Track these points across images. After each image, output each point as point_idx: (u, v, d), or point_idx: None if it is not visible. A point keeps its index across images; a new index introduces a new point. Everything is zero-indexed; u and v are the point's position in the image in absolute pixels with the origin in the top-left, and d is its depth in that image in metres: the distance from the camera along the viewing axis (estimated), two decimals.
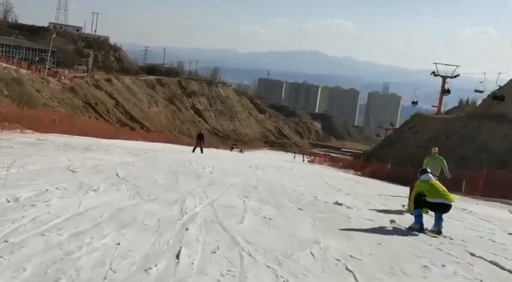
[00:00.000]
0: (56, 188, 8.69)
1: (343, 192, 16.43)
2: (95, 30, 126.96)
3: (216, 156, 29.63)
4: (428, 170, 10.04)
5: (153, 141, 51.50)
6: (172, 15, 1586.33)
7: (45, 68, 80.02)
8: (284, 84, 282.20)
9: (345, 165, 58.54)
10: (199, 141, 31.60)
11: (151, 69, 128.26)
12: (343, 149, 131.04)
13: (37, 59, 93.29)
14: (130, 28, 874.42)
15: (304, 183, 18.35)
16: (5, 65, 51.08)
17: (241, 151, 73.04)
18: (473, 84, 70.62)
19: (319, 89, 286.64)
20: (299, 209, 10.60)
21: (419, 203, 9.18)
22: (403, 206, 12.84)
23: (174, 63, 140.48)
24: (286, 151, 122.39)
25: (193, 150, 30.61)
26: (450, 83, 70.85)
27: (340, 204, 12.15)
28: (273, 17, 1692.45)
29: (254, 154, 73.75)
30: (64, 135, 29.91)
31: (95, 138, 32.75)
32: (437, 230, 9.05)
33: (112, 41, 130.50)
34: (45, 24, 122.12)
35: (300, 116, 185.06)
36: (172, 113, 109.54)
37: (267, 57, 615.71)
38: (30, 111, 40.12)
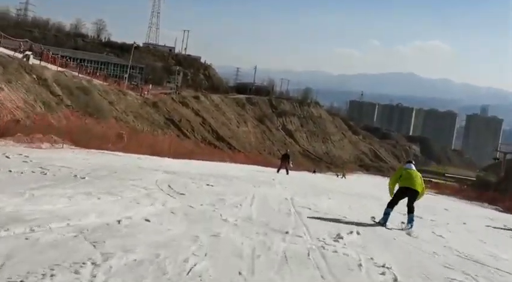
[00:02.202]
0: None
1: None
2: (185, 48, 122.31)
3: (317, 185, 21.41)
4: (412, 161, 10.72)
5: (240, 162, 43.32)
6: (264, 37, 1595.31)
7: (133, 83, 74.48)
8: (376, 107, 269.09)
9: (466, 195, 47.35)
10: (285, 162, 28.62)
11: (241, 88, 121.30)
12: (446, 175, 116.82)
13: (125, 75, 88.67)
14: (221, 51, 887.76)
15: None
16: (76, 73, 44.31)
17: (343, 176, 64.00)
18: None
19: (414, 111, 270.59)
20: None
21: (395, 196, 10.15)
22: None
23: (264, 82, 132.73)
24: (383, 176, 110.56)
25: (278, 171, 28.01)
26: None
27: None
28: (366, 39, 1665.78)
29: (359, 180, 63.66)
30: (117, 152, 22.10)
31: (159, 158, 24.69)
32: (408, 228, 9.84)
33: (203, 59, 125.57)
34: (139, 43, 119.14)
35: (394, 138, 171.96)
36: (262, 133, 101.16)
37: (358, 79, 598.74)
38: (93, 123, 32.78)
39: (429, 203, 24.07)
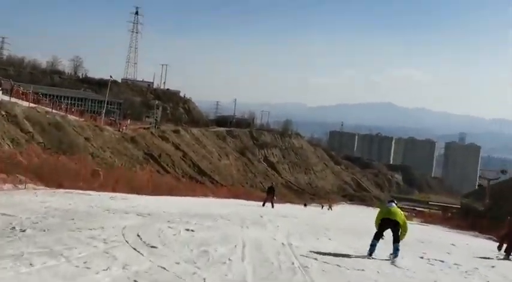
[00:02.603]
0: None
1: None
2: (164, 82, 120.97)
3: (309, 221, 20.06)
4: (394, 200, 11.67)
5: (223, 196, 41.43)
6: (242, 71, 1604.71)
7: (111, 119, 72.44)
8: (356, 137, 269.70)
9: (456, 224, 46.00)
10: (270, 196, 27.99)
11: (221, 121, 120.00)
12: (430, 203, 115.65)
13: (103, 111, 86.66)
14: (200, 86, 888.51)
15: None
16: (49, 109, 42.28)
17: (330, 208, 62.55)
18: None
19: (393, 140, 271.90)
20: None
21: (380, 227, 10.79)
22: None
23: (245, 115, 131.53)
24: (367, 205, 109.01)
25: (263, 204, 27.31)
26: None
27: None
28: (341, 69, 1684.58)
29: (345, 211, 61.90)
30: (89, 191, 20.26)
31: (136, 196, 22.80)
32: (393, 257, 10.43)
33: (182, 94, 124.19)
34: (117, 79, 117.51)
35: (376, 167, 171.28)
36: (243, 166, 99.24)
37: (336, 110, 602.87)
38: (67, 160, 30.69)
39: (425, 235, 22.43)
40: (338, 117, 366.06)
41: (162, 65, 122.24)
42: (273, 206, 26.96)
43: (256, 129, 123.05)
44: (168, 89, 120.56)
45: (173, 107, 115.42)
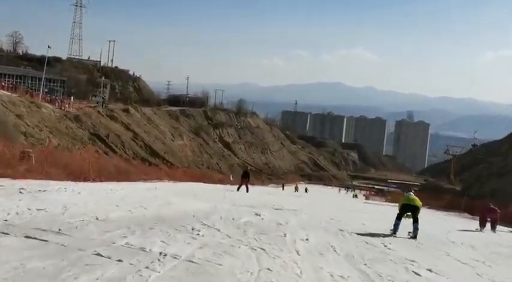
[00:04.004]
0: None
1: None
2: (112, 60, 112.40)
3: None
4: (412, 190, 13.76)
5: (180, 180, 35.85)
6: (193, 52, 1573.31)
7: (55, 98, 64.92)
8: (308, 116, 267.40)
9: (437, 205, 41.75)
10: (245, 180, 27.73)
11: (174, 100, 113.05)
12: (389, 181, 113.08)
13: (46, 90, 78.63)
14: (152, 66, 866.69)
15: None
16: None
17: (296, 189, 57.88)
18: None
19: (345, 119, 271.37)
20: None
21: (401, 210, 12.68)
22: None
23: (198, 94, 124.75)
24: (326, 185, 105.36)
25: (238, 189, 26.73)
26: None
27: None
28: (293, 50, 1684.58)
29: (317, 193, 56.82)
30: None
31: (65, 184, 16.91)
32: (413, 235, 12.34)
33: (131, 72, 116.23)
34: (61, 56, 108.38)
35: (331, 146, 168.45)
36: (198, 146, 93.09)
37: (288, 90, 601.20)
38: None
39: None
40: (290, 97, 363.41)
41: (110, 41, 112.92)
42: (247, 190, 26.46)
43: (211, 109, 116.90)
44: (116, 67, 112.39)
45: (122, 85, 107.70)
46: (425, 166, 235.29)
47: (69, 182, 17.81)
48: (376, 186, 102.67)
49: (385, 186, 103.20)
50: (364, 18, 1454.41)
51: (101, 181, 22.95)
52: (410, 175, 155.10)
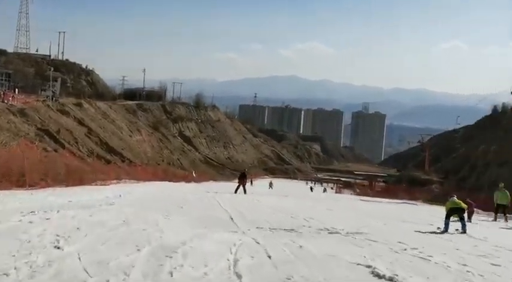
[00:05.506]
0: None
1: None
2: (62, 52, 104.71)
3: None
4: (454, 195, 14.41)
5: (139, 178, 30.87)
6: (148, 46, 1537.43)
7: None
8: (266, 109, 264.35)
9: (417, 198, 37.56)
10: (243, 181, 27.18)
11: (130, 94, 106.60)
12: (356, 173, 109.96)
13: None
14: (106, 60, 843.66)
15: None
16: None
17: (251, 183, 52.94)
18: None
19: (302, 112, 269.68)
20: None
21: (449, 212, 13.70)
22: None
23: (155, 87, 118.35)
24: (291, 178, 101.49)
25: (236, 191, 26.06)
26: None
27: None
28: (248, 44, 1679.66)
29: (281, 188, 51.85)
30: None
31: None
32: (462, 231, 13.25)
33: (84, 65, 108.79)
34: (6, 48, 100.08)
35: (291, 139, 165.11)
36: (158, 142, 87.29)
37: (244, 84, 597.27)
38: None
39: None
40: (246, 91, 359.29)
41: (60, 32, 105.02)
42: (245, 192, 26.25)
43: (169, 103, 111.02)
44: (67, 60, 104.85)
45: (74, 79, 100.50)
46: (383, 156, 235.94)
47: None
48: (342, 179, 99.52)
49: (352, 178, 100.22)
50: (319, 11, 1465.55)
51: (46, 186, 17.89)
52: (372, 166, 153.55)
